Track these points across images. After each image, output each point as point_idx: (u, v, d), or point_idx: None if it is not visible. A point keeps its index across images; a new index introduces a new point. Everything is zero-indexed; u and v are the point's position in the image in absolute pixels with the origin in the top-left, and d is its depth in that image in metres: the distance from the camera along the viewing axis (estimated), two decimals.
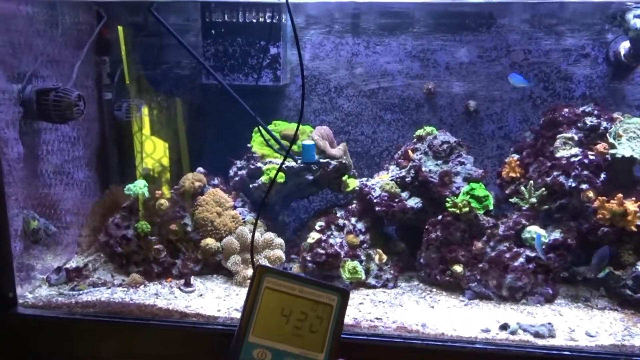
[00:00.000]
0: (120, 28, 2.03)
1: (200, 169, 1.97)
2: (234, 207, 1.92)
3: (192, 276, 1.82)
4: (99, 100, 2.11)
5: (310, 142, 1.89)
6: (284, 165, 1.91)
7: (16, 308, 1.65)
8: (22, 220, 1.68)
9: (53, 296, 1.71)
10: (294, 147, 1.92)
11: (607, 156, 1.75)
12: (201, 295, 1.74)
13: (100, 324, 1.59)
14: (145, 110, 2.07)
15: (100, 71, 2.08)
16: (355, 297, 1.77)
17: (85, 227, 2.01)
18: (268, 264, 0.50)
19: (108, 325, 1.58)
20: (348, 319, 1.60)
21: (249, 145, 1.99)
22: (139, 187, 1.83)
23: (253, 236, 1.44)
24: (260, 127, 1.88)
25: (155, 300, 1.68)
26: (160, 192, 1.86)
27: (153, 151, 2.07)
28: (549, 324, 1.55)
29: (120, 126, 2.11)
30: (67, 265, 1.87)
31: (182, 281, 1.78)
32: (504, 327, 1.57)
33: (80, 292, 1.73)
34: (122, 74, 2.07)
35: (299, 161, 1.90)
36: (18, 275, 1.67)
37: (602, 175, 1.73)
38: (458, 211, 1.78)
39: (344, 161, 1.94)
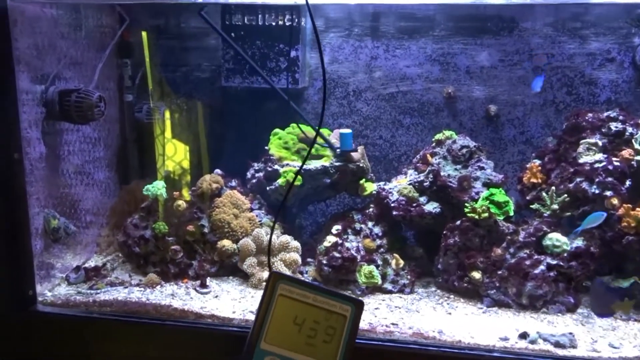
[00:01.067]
0: (144, 33, 2.06)
1: (217, 170, 1.97)
2: (251, 210, 1.92)
3: (208, 277, 1.82)
4: (120, 102, 2.14)
5: (348, 131, 1.91)
6: (302, 170, 1.90)
7: (35, 305, 1.68)
8: (43, 219, 1.71)
9: (71, 295, 1.73)
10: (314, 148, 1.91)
11: (632, 162, 1.70)
12: (217, 296, 1.74)
13: (117, 323, 1.60)
14: (167, 114, 2.09)
15: (121, 73, 2.11)
16: (371, 302, 1.75)
17: (104, 227, 2.03)
18: (283, 271, 0.50)
19: (124, 325, 1.60)
20: (363, 324, 1.59)
21: (266, 147, 2.00)
22: (157, 187, 1.84)
23: (270, 239, 1.44)
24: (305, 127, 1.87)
25: (172, 300, 1.69)
26: (178, 193, 1.87)
27: (174, 154, 2.09)
28: (570, 333, 1.51)
29: (141, 128, 2.13)
30: (86, 265, 1.90)
31: (198, 282, 1.78)
32: (524, 335, 1.53)
33: (98, 291, 1.74)
34: (143, 76, 2.09)
35: (337, 150, 1.91)
36: (38, 273, 1.70)
37: (627, 182, 1.69)
38: (477, 217, 1.75)
39: (361, 165, 1.93)
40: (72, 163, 1.86)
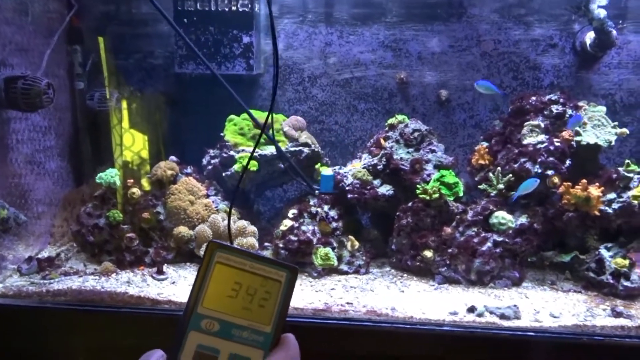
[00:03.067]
0: (100, 39, 2.00)
1: (172, 157, 1.97)
2: (207, 196, 1.92)
3: (165, 264, 1.82)
4: (71, 90, 2.10)
5: (329, 173, 1.91)
6: (257, 154, 1.92)
7: None
8: None
9: (24, 285, 1.70)
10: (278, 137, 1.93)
11: (572, 143, 1.79)
12: (173, 282, 1.74)
13: (71, 312, 1.59)
14: (124, 104, 2.06)
15: (72, 60, 2.07)
16: (327, 283, 1.79)
17: (57, 217, 2.00)
18: (220, 241, 0.51)
19: (79, 314, 1.59)
20: (319, 304, 1.63)
21: (222, 134, 2.00)
22: (110, 175, 1.82)
23: (229, 223, 1.43)
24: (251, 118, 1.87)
25: (127, 288, 1.69)
26: (132, 180, 1.86)
27: (132, 144, 2.05)
28: (515, 306, 1.59)
29: (93, 116, 2.09)
30: (39, 255, 1.86)
31: (155, 269, 1.78)
32: (471, 309, 1.60)
33: (52, 281, 1.72)
34: (94, 63, 2.05)
35: (316, 192, 1.92)
36: None
37: (568, 162, 1.78)
38: (428, 198, 1.81)
39: (315, 149, 1.96)
40: (21, 152, 1.82)
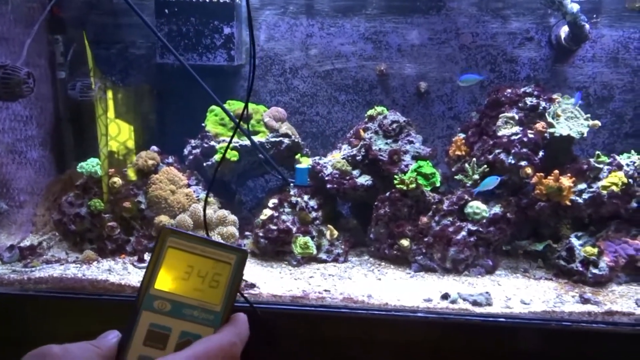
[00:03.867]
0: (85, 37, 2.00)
1: (154, 147, 1.99)
2: (188, 185, 1.95)
3: (146, 253, 1.85)
4: (52, 80, 2.10)
5: (304, 166, 1.92)
6: (237, 144, 1.95)
7: None
8: None
9: (5, 273, 1.72)
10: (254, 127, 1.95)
11: (545, 135, 1.83)
12: None
13: (53, 300, 1.61)
14: (109, 93, 2.07)
15: (53, 50, 2.07)
16: (306, 271, 1.83)
17: (39, 206, 2.01)
18: (174, 227, 0.53)
19: (60, 301, 1.60)
20: (297, 292, 1.66)
21: (203, 124, 2.02)
22: (91, 165, 1.84)
23: (204, 211, 1.46)
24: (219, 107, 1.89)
25: (108, 276, 1.71)
26: (113, 170, 1.88)
27: (118, 134, 2.06)
28: (487, 293, 1.64)
29: (75, 106, 2.10)
30: (21, 244, 1.88)
31: (136, 257, 1.81)
32: (445, 296, 1.64)
33: (33, 269, 1.74)
34: (75, 53, 2.06)
35: (291, 184, 1.94)
36: None
37: (541, 153, 1.82)
38: (406, 188, 1.85)
39: (296, 140, 1.99)
40: (2, 141, 1.83)
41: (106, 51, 2.15)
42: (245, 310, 0.64)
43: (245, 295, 1.53)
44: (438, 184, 1.90)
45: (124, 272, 1.75)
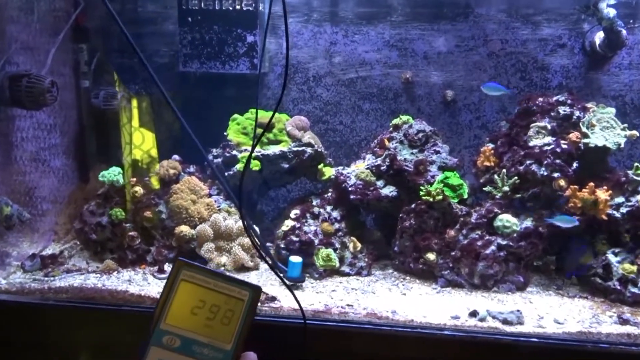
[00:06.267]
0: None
1: (175, 156, 1.97)
2: (209, 195, 1.92)
3: (166, 263, 1.82)
4: (76, 88, 2.11)
5: (298, 260, 1.76)
6: (260, 154, 1.91)
7: None
8: None
9: (27, 282, 1.71)
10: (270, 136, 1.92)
11: (579, 145, 1.75)
12: None
13: (73, 309, 1.59)
14: (134, 102, 2.07)
15: (77, 59, 2.08)
16: (328, 284, 1.78)
17: (61, 215, 2.01)
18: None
19: (80, 311, 1.59)
20: (319, 306, 1.62)
21: (225, 133, 2.00)
22: (113, 174, 1.83)
23: (244, 222, 1.40)
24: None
25: (128, 286, 1.69)
26: (134, 179, 1.86)
27: (142, 142, 2.06)
28: (518, 311, 1.56)
29: (99, 114, 2.10)
30: (43, 253, 1.88)
31: (156, 268, 1.79)
32: (473, 314, 1.57)
33: (54, 278, 1.73)
34: (99, 62, 2.06)
35: (282, 275, 1.74)
36: None
37: (575, 164, 1.74)
38: (432, 199, 1.79)
39: (319, 149, 1.94)
40: (26, 150, 1.84)
41: (129, 60, 2.15)
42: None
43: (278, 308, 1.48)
44: (465, 196, 1.83)
45: (143, 283, 1.72)
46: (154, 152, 2.08)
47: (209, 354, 0.57)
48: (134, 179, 1.87)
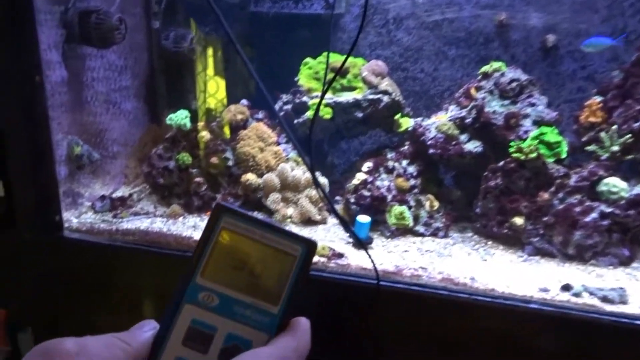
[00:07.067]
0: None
1: (243, 101, 1.87)
2: (278, 143, 1.82)
3: None
4: (147, 29, 2.05)
5: (367, 220, 1.62)
6: (332, 101, 1.77)
7: (62, 232, 1.68)
8: (66, 146, 1.68)
9: (96, 222, 1.72)
10: (343, 81, 1.77)
11: None
12: None
13: (138, 252, 1.58)
14: (209, 51, 1.99)
15: None
16: (400, 244, 1.65)
17: (131, 158, 2.00)
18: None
19: (145, 254, 1.57)
20: (390, 266, 1.49)
21: (296, 78, 1.87)
22: (180, 117, 1.77)
23: (313, 170, 1.29)
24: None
25: (193, 232, 1.65)
26: (202, 123, 1.79)
27: (216, 91, 2.00)
28: (621, 288, 1.35)
29: (168, 56, 2.04)
30: (113, 195, 1.88)
31: None
32: (566, 287, 1.38)
33: (122, 220, 1.73)
34: (169, 1, 1.98)
35: (348, 234, 1.65)
36: (64, 200, 1.69)
37: None
38: (523, 157, 1.58)
39: (396, 98, 1.77)
40: (97, 90, 1.81)
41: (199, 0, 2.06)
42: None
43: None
44: (563, 155, 1.60)
45: None
46: (226, 101, 2.01)
47: (251, 317, 0.47)
48: (201, 124, 1.80)
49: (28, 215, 1.59)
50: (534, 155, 1.57)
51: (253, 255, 0.49)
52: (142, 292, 1.55)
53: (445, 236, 1.70)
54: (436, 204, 1.71)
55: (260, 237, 0.49)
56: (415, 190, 1.73)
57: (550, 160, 1.59)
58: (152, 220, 1.73)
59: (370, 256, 1.17)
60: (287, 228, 0.52)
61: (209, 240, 0.49)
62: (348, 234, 1.64)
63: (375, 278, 1.21)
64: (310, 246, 0.49)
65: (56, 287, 1.62)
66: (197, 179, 1.77)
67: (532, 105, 1.68)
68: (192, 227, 1.69)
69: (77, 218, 1.75)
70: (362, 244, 1.15)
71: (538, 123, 1.65)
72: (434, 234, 1.70)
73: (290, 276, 0.48)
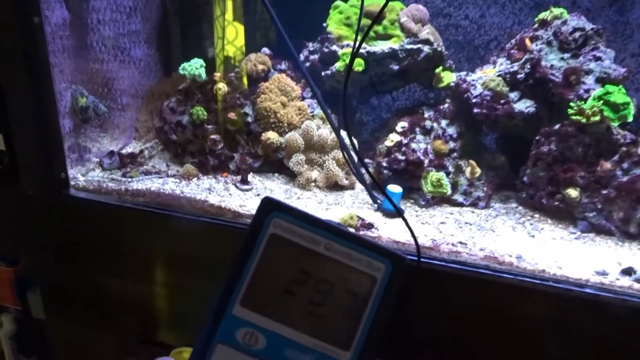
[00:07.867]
0: None
1: (265, 49, 1.68)
2: (302, 98, 1.64)
3: (251, 173, 1.61)
4: None
5: (398, 190, 1.46)
6: (364, 51, 1.57)
7: (68, 190, 1.56)
8: (70, 96, 1.52)
9: (104, 181, 1.59)
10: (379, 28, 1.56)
11: None
12: (258, 195, 1.53)
13: (149, 214, 1.45)
14: None
15: None
16: (436, 214, 1.48)
17: (142, 111, 1.84)
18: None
19: (156, 217, 1.44)
20: (425, 240, 1.33)
21: (324, 24, 1.66)
22: (194, 67, 1.59)
23: (348, 127, 1.11)
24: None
25: (208, 195, 1.51)
26: (219, 74, 1.61)
27: (235, 38, 1.80)
28: None
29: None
30: (122, 151, 1.74)
31: (239, 177, 1.58)
32: (628, 272, 1.22)
33: (132, 179, 1.59)
34: None
35: (377, 203, 1.50)
36: (69, 156, 1.56)
37: None
38: (584, 120, 1.37)
39: (438, 49, 1.56)
40: (103, 34, 1.63)
41: None
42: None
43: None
44: (630, 119, 1.39)
45: (224, 193, 1.53)
46: (244, 49, 1.82)
47: None
48: (218, 74, 1.62)
49: (31, 170, 1.47)
50: (596, 118, 1.36)
51: (315, 275, 0.32)
52: (152, 257, 1.44)
53: (487, 207, 1.53)
54: (478, 171, 1.53)
55: (326, 248, 0.33)
56: (455, 155, 1.55)
57: (615, 124, 1.38)
58: (164, 181, 1.59)
59: (412, 230, 1.01)
60: (370, 239, 0.36)
61: (251, 251, 0.33)
62: (375, 205, 1.48)
63: (416, 254, 1.05)
64: (398, 263, 0.33)
65: (63, 248, 1.52)
66: (213, 136, 1.60)
67: (597, 59, 1.45)
68: (207, 189, 1.55)
69: (83, 176, 1.62)
70: (401, 215, 0.99)
71: (602, 80, 1.43)
72: (474, 204, 1.53)
73: (369, 307, 0.32)
